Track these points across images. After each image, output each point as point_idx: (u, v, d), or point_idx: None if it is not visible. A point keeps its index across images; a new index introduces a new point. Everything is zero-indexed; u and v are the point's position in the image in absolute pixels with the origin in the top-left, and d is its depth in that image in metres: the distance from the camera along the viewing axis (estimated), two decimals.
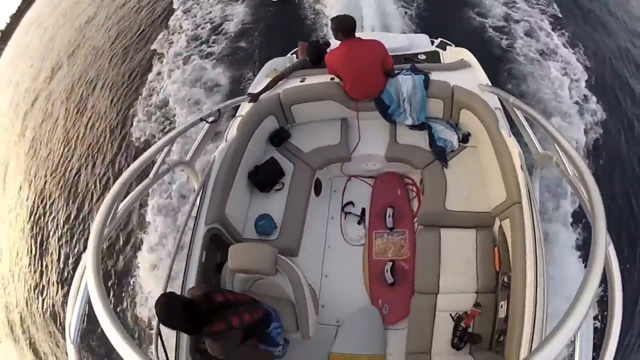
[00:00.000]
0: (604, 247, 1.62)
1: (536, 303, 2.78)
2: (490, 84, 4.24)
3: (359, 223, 4.29)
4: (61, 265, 7.89)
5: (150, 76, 10.28)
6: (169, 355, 3.31)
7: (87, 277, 1.80)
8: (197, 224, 3.55)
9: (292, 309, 3.39)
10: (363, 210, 4.34)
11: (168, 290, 3.08)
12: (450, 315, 3.50)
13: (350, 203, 4.40)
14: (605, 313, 1.76)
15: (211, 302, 2.78)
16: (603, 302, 1.71)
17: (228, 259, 3.39)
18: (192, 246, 3.47)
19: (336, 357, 3.81)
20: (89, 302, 1.79)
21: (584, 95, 7.30)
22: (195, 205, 3.61)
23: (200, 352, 3.56)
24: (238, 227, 3.92)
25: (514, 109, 3.40)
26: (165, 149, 3.14)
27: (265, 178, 4.17)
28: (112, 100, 10.92)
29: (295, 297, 3.35)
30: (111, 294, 6.50)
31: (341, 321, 3.92)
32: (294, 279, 3.33)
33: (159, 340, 3.20)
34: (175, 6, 12.69)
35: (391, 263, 4.00)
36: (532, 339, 2.72)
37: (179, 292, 3.38)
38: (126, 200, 2.76)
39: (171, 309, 2.52)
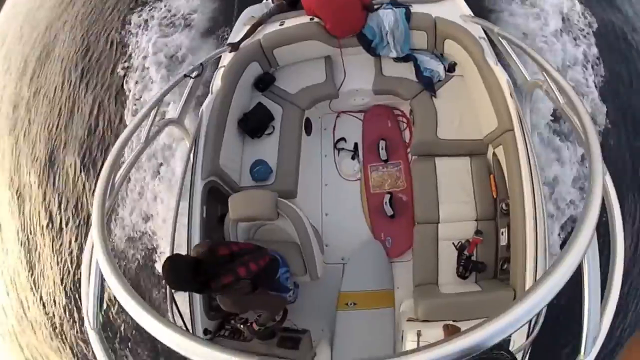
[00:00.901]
0: (600, 171, 1.61)
1: (537, 230, 2.81)
2: (473, 15, 4.16)
3: (352, 158, 4.29)
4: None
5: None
6: (184, 318, 3.37)
7: (96, 255, 1.75)
8: (194, 180, 3.54)
9: (298, 251, 3.42)
10: (356, 145, 4.33)
11: (173, 253, 3.10)
12: (453, 244, 3.54)
13: (342, 139, 4.39)
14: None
15: (216, 257, 2.79)
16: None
17: (229, 210, 3.40)
18: (192, 203, 3.47)
19: (346, 295, 3.88)
20: (102, 283, 1.76)
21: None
22: (189, 162, 3.59)
23: (215, 310, 3.60)
24: (234, 177, 3.92)
25: (500, 38, 3.37)
26: (153, 112, 3.09)
27: (255, 124, 4.13)
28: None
29: (300, 239, 3.38)
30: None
31: (346, 259, 3.98)
32: (297, 221, 3.34)
33: (173, 305, 3.23)
34: None
35: (389, 195, 4.04)
36: (536, 264, 2.77)
37: (184, 252, 3.42)
38: (122, 169, 2.73)
39: (177, 271, 2.54)
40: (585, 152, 1.81)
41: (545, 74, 2.65)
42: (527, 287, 2.82)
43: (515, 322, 1.08)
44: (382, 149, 4.19)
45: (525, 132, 3.16)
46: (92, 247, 1.90)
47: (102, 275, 1.70)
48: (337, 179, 4.25)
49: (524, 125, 3.19)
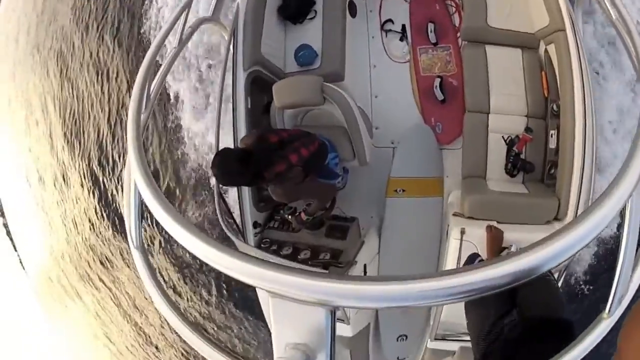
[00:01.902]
0: None
1: (585, 140, 2.70)
2: None
3: (401, 40, 4.08)
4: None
5: None
6: (233, 215, 3.29)
7: (133, 175, 1.64)
8: (236, 72, 3.42)
9: (347, 136, 3.33)
10: (403, 26, 4.11)
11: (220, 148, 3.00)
12: (503, 137, 3.41)
13: (389, 20, 4.16)
14: None
15: (266, 145, 2.67)
16: None
17: (274, 98, 3.29)
18: (236, 95, 3.38)
19: (395, 182, 3.82)
20: (142, 201, 1.64)
21: None
22: (229, 55, 3.46)
23: (264, 201, 3.52)
24: (278, 64, 3.80)
25: None
26: (185, 12, 2.87)
27: (295, 9, 3.93)
28: None
29: (347, 122, 3.26)
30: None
31: (396, 142, 3.87)
32: (344, 104, 3.21)
33: (221, 202, 3.15)
34: None
35: (439, 79, 3.87)
36: (582, 177, 2.70)
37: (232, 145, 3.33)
38: (156, 77, 2.52)
39: (227, 165, 2.42)
40: (635, 71, 1.67)
41: None
42: (571, 199, 2.76)
43: (576, 243, 0.89)
44: (431, 31, 3.98)
45: (577, 36, 2.97)
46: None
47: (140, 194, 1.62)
48: (385, 61, 4.07)
49: (576, 28, 3.00)
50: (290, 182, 2.73)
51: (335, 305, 0.88)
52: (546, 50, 3.41)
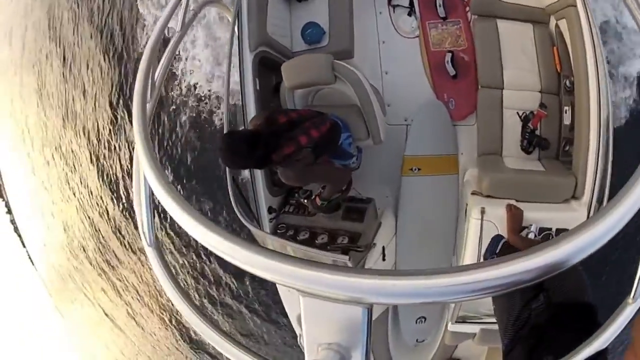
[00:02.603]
0: None
1: (600, 117, 2.69)
2: None
3: (409, 15, 3.99)
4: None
5: None
6: (248, 201, 3.23)
7: (142, 169, 1.57)
8: (242, 54, 3.36)
9: (360, 114, 3.26)
10: (411, 1, 4.02)
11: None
12: (517, 113, 3.39)
13: None
14: None
15: (275, 126, 2.61)
16: None
17: (283, 78, 3.24)
18: (243, 77, 3.32)
19: (410, 160, 3.78)
20: (153, 198, 1.58)
21: None
22: (234, 37, 3.39)
23: (278, 185, 3.48)
24: (285, 43, 3.74)
25: None
26: None
27: None
28: None
29: (360, 100, 3.20)
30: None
31: (409, 119, 3.81)
32: (355, 82, 3.15)
33: (234, 187, 3.09)
34: None
35: (450, 54, 3.79)
36: (598, 152, 2.68)
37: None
38: (160, 64, 2.49)
39: (235, 147, 2.36)
40: None
41: None
42: (588, 178, 2.77)
43: (603, 235, 0.83)
44: (439, 5, 3.89)
45: (588, 10, 2.92)
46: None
47: (152, 189, 1.55)
48: (394, 36, 3.99)
49: (586, 2, 2.94)
50: (300, 164, 2.67)
51: (374, 302, 0.83)
52: (557, 26, 3.38)
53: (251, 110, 3.30)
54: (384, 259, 3.30)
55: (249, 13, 3.45)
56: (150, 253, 1.55)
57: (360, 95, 3.18)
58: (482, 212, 2.87)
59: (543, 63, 3.42)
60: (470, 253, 2.98)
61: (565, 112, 3.22)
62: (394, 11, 4.05)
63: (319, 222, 3.39)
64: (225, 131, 3.18)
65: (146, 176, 1.52)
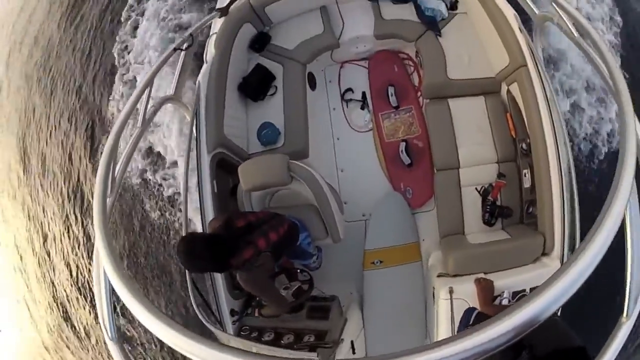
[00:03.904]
0: (631, 110, 1.48)
1: (561, 167, 2.71)
2: None
3: (362, 108, 4.11)
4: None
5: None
6: (209, 303, 3.24)
7: (102, 263, 1.60)
8: (200, 155, 3.38)
9: (317, 213, 3.29)
10: (364, 94, 4.14)
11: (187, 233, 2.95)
12: (476, 189, 3.44)
13: (349, 90, 4.20)
14: None
15: (233, 229, 2.62)
16: None
17: (240, 180, 3.25)
18: (201, 179, 3.32)
19: (371, 254, 3.80)
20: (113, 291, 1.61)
21: None
22: (192, 137, 3.43)
23: (239, 288, 3.48)
24: (242, 145, 3.77)
25: None
26: (147, 91, 2.90)
27: (255, 87, 3.93)
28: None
29: (317, 200, 3.23)
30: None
31: (367, 214, 3.86)
32: (312, 182, 3.18)
33: (195, 290, 3.09)
34: None
35: (404, 143, 3.89)
36: (564, 206, 2.68)
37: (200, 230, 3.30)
38: (121, 159, 2.53)
39: (193, 250, 2.34)
40: (608, 89, 1.69)
41: (555, 6, 2.48)
42: (556, 232, 2.76)
43: (570, 286, 0.93)
44: (391, 95, 4.01)
45: (539, 66, 3.01)
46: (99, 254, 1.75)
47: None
48: (348, 132, 4.08)
49: (537, 59, 3.04)
50: (260, 269, 2.66)
51: None
52: (509, 91, 3.46)
53: (209, 213, 3.28)
54: (353, 352, 3.35)
55: (206, 114, 3.49)
56: (112, 347, 1.57)
57: (317, 195, 3.21)
58: (451, 291, 2.84)
59: (497, 133, 3.48)
60: (443, 331, 2.93)
61: (525, 175, 3.24)
62: (347, 106, 4.15)
63: (283, 322, 3.38)
64: (184, 233, 3.22)
65: (105, 270, 1.58)
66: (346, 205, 3.80)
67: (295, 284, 3.21)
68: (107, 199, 2.06)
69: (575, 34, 2.36)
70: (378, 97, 4.09)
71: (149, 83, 2.93)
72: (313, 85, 4.15)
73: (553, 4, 2.50)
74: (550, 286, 0.88)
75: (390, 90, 4.02)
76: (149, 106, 2.94)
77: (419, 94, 4.05)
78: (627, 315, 1.19)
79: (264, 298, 3.19)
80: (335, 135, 4.09)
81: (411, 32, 3.93)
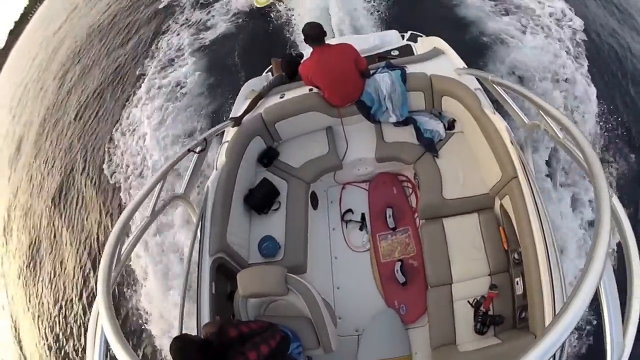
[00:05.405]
0: (607, 199, 1.60)
1: (551, 271, 2.76)
2: (466, 66, 4.25)
3: (360, 229, 4.27)
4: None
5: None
6: None
7: (101, 322, 1.74)
8: (202, 257, 3.51)
9: (311, 325, 3.34)
10: (363, 215, 4.32)
11: (182, 332, 3.02)
12: (468, 302, 3.48)
13: (349, 211, 4.38)
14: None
15: (226, 338, 2.70)
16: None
17: (238, 286, 3.35)
18: (201, 279, 3.43)
19: None
20: (108, 350, 1.75)
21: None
22: (196, 238, 3.56)
23: None
24: (242, 254, 3.88)
25: (494, 85, 3.40)
26: (159, 185, 3.12)
27: (260, 200, 4.13)
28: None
29: (311, 313, 3.31)
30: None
31: (360, 330, 3.88)
32: (307, 296, 3.28)
33: None
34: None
35: (400, 263, 3.98)
36: (555, 306, 2.71)
37: (195, 328, 3.36)
38: (128, 241, 2.73)
39: (186, 353, 2.43)
40: (590, 181, 1.80)
41: (542, 112, 2.66)
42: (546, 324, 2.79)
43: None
44: (389, 217, 4.17)
45: (529, 176, 3.14)
46: (97, 315, 1.90)
47: (107, 342, 1.70)
48: (346, 252, 4.21)
49: (527, 169, 3.18)
50: None
51: None
52: (501, 205, 3.54)
53: (205, 314, 3.33)
54: None
55: (212, 219, 3.64)
56: None
57: (311, 309, 3.26)
58: None
59: (490, 247, 3.54)
60: None
61: (517, 284, 3.26)
62: (346, 226, 4.31)
63: None
64: (178, 333, 3.25)
65: (103, 327, 1.64)
66: (340, 320, 3.85)
67: None
68: (112, 273, 2.26)
69: (560, 135, 2.53)
70: (376, 219, 4.26)
71: (162, 178, 3.15)
72: (315, 205, 4.34)
73: (540, 111, 2.65)
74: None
75: (389, 212, 4.18)
76: (160, 199, 3.15)
77: (415, 215, 4.20)
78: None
79: None
80: (333, 254, 4.22)
81: (410, 154, 4.16)
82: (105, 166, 9.51)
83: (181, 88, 9.91)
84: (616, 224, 1.89)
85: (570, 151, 2.40)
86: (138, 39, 14.07)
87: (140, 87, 10.79)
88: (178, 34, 12.47)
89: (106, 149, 9.93)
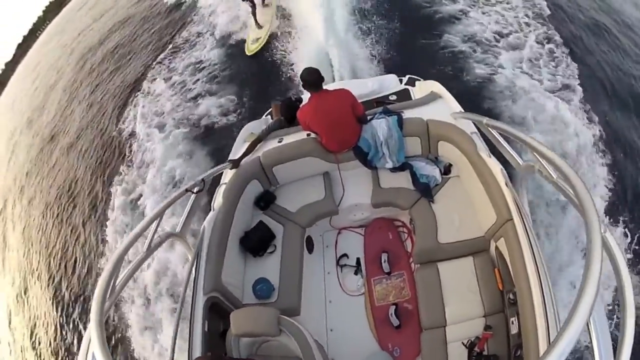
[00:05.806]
0: (599, 234, 1.64)
1: (546, 311, 2.76)
2: (462, 110, 4.34)
3: (355, 273, 4.29)
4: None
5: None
6: None
7: (92, 349, 1.80)
8: (196, 294, 3.53)
9: None
10: (358, 260, 4.34)
11: None
12: (463, 343, 3.45)
13: (345, 255, 4.41)
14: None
15: None
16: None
17: (231, 325, 3.35)
18: (194, 317, 3.45)
19: None
20: None
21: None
22: (191, 276, 3.60)
23: None
24: (236, 294, 3.90)
25: (489, 128, 3.46)
26: (155, 222, 3.18)
27: (256, 243, 4.17)
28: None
29: (303, 355, 3.30)
30: None
31: None
32: (300, 338, 3.28)
33: None
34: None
35: (394, 306, 3.98)
36: (549, 342, 2.69)
37: None
38: (123, 275, 2.79)
39: None
40: (583, 218, 1.82)
41: (535, 154, 2.69)
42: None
43: None
44: (384, 261, 4.19)
45: (523, 217, 3.16)
46: (89, 341, 1.97)
47: None
48: (340, 295, 4.22)
49: (521, 211, 3.20)
50: None
51: None
52: (497, 247, 3.54)
53: (197, 350, 3.34)
54: None
55: (207, 258, 3.67)
56: None
57: (303, 350, 3.23)
58: None
59: (485, 289, 3.53)
60: None
61: (512, 323, 3.23)
62: (341, 271, 4.33)
63: None
64: None
65: (94, 353, 1.65)
66: None
67: None
68: (105, 302, 2.34)
69: (554, 175, 2.56)
70: (372, 263, 4.28)
71: (159, 216, 3.21)
72: (310, 249, 4.38)
73: (534, 152, 2.67)
74: None
75: (384, 257, 4.21)
76: (156, 235, 3.20)
77: (411, 259, 4.22)
78: None
79: None
80: (327, 297, 4.22)
81: (406, 200, 4.21)
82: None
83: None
84: (611, 262, 1.91)
85: (563, 190, 2.46)
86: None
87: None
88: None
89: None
